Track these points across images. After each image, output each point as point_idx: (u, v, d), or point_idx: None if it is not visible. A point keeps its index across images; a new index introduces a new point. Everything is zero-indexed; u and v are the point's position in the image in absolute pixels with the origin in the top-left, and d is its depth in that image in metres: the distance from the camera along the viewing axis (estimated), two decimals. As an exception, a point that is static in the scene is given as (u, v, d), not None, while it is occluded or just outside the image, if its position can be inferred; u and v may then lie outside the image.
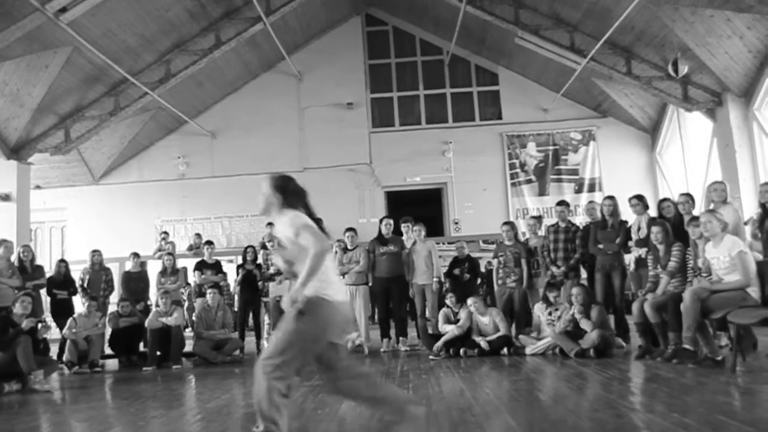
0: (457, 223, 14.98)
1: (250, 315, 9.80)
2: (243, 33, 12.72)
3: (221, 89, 15.46)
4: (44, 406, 5.76)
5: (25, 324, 6.86)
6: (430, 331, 8.24)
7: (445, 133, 15.43)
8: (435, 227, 14.87)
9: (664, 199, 7.89)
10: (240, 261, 10.25)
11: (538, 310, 7.63)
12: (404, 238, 8.94)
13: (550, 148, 15.19)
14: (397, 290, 8.53)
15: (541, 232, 8.65)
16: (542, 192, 15.06)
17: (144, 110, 13.85)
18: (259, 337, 9.74)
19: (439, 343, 7.61)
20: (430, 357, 7.53)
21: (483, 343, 7.46)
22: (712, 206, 6.83)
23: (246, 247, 10.00)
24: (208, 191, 15.22)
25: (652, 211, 8.01)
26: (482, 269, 10.87)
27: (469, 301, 7.73)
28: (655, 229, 6.73)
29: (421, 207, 14.50)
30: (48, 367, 7.07)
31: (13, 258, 8.87)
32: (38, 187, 14.42)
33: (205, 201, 15.20)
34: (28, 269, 8.82)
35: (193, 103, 15.00)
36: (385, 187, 15.28)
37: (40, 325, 7.25)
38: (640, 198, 7.77)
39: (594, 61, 12.09)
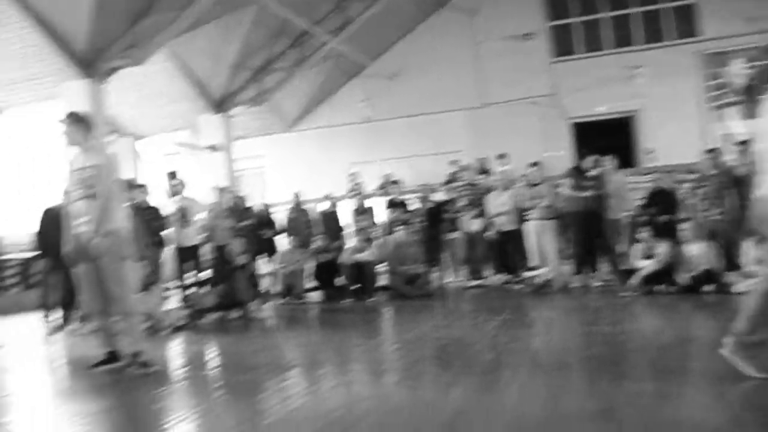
0: (650, 153, 13.96)
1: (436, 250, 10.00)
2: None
3: (397, 31, 15.57)
4: (261, 332, 6.44)
5: (240, 260, 7.68)
6: (624, 267, 7.87)
7: (634, 57, 14.23)
8: (626, 158, 13.99)
9: None
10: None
11: (749, 246, 6.93)
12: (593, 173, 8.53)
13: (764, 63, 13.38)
14: (589, 224, 8.20)
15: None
16: (753, 114, 13.43)
17: (327, 58, 14.42)
18: (443, 272, 9.92)
19: (635, 279, 7.25)
20: (625, 293, 7.22)
21: (686, 279, 6.98)
22: None
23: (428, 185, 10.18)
24: (393, 132, 15.60)
25: None
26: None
27: (688, 225, 7.24)
28: None
29: (609, 137, 13.66)
30: (261, 298, 7.85)
31: (226, 202, 9.83)
32: (240, 137, 15.74)
33: (390, 141, 15.61)
34: (238, 212, 9.74)
35: (371, 47, 15.31)
36: (570, 118, 14.60)
37: (251, 262, 8.07)
38: None
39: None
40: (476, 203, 9.42)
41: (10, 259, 9.39)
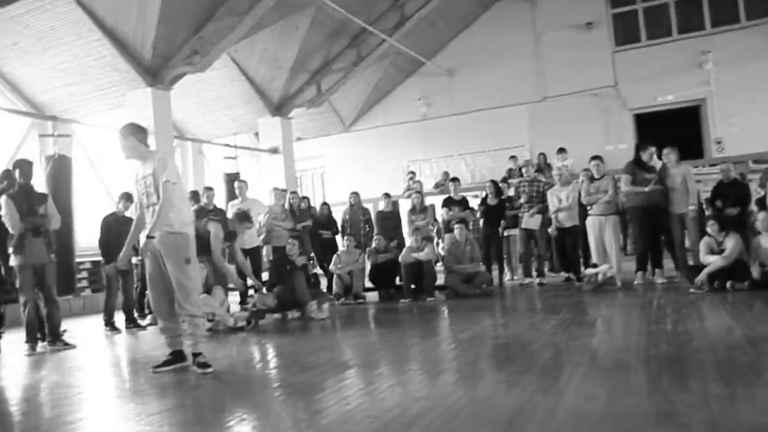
0: (719, 143, 13.41)
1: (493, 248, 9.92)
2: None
3: (455, 26, 15.49)
4: (319, 332, 6.54)
5: (299, 261, 7.82)
6: (690, 263, 7.61)
7: (702, 42, 13.68)
8: (693, 149, 13.49)
9: None
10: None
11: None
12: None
13: None
14: (653, 219, 7.96)
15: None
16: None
17: (383, 57, 14.48)
18: (501, 270, 9.83)
19: (702, 276, 6.99)
20: (691, 290, 6.97)
21: (756, 274, 6.69)
22: None
23: (487, 183, 10.09)
24: (450, 129, 15.54)
25: None
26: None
27: (761, 215, 6.93)
28: None
29: (675, 128, 13.19)
30: (320, 299, 7.96)
31: (285, 203, 10.02)
32: (299, 138, 15.99)
33: (447, 139, 15.55)
34: (297, 213, 9.91)
35: (428, 44, 15.28)
36: (632, 109, 14.18)
37: (310, 262, 8.19)
38: None
39: None
40: (535, 199, 9.30)
41: (82, 263, 9.84)
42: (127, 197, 7.77)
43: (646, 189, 7.81)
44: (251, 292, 7.83)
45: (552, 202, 8.95)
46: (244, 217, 7.48)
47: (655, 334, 4.67)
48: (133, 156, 4.62)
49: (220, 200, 10.66)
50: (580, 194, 8.65)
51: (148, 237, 4.44)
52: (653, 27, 14.33)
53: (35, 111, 10.95)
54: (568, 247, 8.98)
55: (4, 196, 6.24)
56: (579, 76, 14.29)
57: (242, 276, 7.49)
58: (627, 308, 6.23)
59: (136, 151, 4.59)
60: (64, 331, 6.56)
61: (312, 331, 6.61)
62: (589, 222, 8.37)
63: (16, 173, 6.42)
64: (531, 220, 9.18)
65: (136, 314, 7.99)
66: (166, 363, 4.62)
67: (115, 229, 7.46)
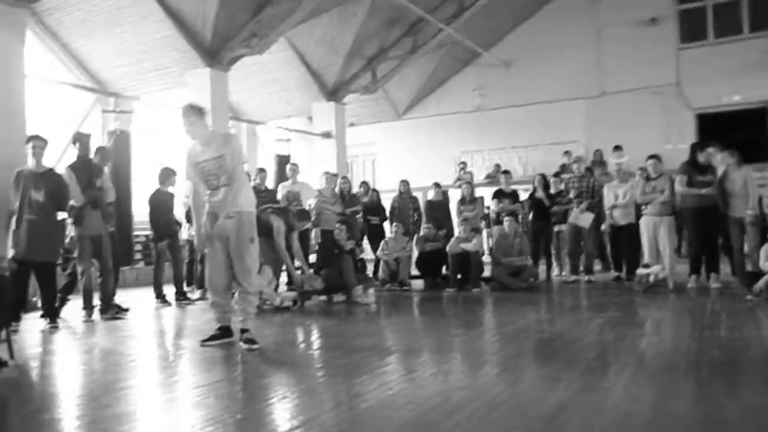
0: (784, 147, 12.87)
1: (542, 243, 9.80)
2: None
3: (513, 18, 15.24)
4: (364, 316, 6.59)
5: (347, 245, 7.88)
6: (749, 269, 7.35)
7: (774, 41, 13.15)
8: (760, 152, 12.99)
9: None
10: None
11: None
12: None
13: None
14: (709, 221, 7.71)
15: None
16: None
17: (440, 46, 14.37)
18: (549, 265, 9.69)
19: (761, 283, 6.74)
20: (748, 297, 6.73)
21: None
22: None
23: (535, 176, 9.97)
24: (504, 121, 15.35)
25: None
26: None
27: None
28: None
29: (739, 130, 12.72)
30: (366, 283, 8.00)
31: (335, 187, 10.09)
32: (352, 124, 16.04)
33: (500, 131, 15.38)
34: (347, 198, 9.96)
35: (485, 34, 15.08)
36: (696, 109, 13.73)
37: (358, 247, 8.25)
38: None
39: None
40: (585, 195, 9.11)
41: (138, 235, 10.13)
42: (170, 173, 7.97)
43: (702, 191, 7.57)
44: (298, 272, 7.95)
45: (608, 198, 8.76)
46: (303, 215, 7.66)
47: (707, 339, 4.54)
48: (193, 134, 4.69)
49: (270, 182, 10.80)
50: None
51: (228, 217, 4.53)
52: (722, 24, 13.80)
53: (99, 87, 11.28)
54: (624, 245, 8.80)
55: (67, 168, 6.47)
56: (640, 73, 13.90)
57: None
58: (678, 311, 6.07)
59: (196, 130, 4.66)
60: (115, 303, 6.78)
61: (357, 315, 6.66)
62: (644, 222, 8.16)
63: (76, 146, 6.63)
64: (581, 217, 9.00)
65: (185, 288, 8.21)
66: (213, 337, 4.73)
67: (163, 206, 7.71)
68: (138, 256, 10.41)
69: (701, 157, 7.77)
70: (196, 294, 8.36)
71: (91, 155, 6.90)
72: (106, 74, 11.31)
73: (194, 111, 4.66)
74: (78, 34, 10.60)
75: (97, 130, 10.60)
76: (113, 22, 10.13)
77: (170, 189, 8.04)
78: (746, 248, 7.71)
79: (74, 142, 6.71)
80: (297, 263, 7.69)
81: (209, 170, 4.62)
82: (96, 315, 6.53)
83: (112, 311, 6.60)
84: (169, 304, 7.71)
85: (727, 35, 13.69)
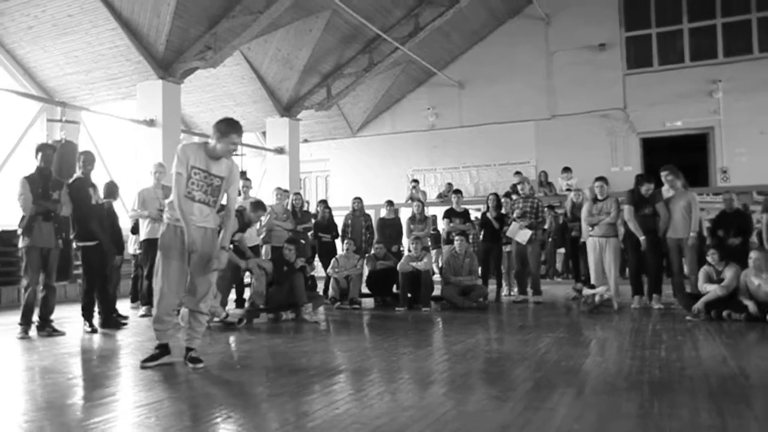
0: (725, 172, 13.42)
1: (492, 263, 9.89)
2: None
3: (468, 39, 15.54)
4: (312, 334, 6.52)
5: (298, 262, 7.81)
6: (687, 290, 7.59)
7: (714, 71, 13.73)
8: (698, 177, 13.50)
9: None
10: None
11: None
12: (665, 188, 8.24)
13: None
14: (650, 244, 7.96)
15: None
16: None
17: (395, 64, 14.52)
18: (499, 285, 9.80)
19: (699, 304, 6.98)
20: (687, 318, 6.95)
21: (752, 307, 6.67)
22: None
23: (488, 195, 10.09)
24: (457, 141, 15.57)
25: None
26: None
27: (753, 254, 6.91)
28: None
29: (681, 154, 13.21)
30: (315, 301, 7.94)
31: (287, 204, 10.02)
32: (305, 140, 16.02)
33: (453, 150, 15.59)
34: (299, 214, 9.90)
35: (440, 54, 15.33)
36: (640, 133, 14.20)
37: (308, 265, 8.18)
38: None
39: None
40: (529, 215, 9.21)
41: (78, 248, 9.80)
42: (116, 187, 7.82)
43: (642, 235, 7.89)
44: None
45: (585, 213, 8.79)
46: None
47: (648, 359, 4.66)
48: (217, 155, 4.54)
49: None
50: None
51: (222, 248, 4.52)
52: (666, 52, 14.38)
53: (45, 96, 10.98)
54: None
55: (21, 177, 6.31)
56: (589, 97, 14.35)
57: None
58: (622, 332, 6.21)
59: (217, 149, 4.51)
60: (52, 320, 6.51)
61: (305, 333, 6.59)
62: (590, 243, 8.35)
63: (38, 156, 6.46)
64: (520, 232, 9.09)
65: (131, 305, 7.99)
66: (153, 357, 4.61)
67: (110, 219, 7.54)
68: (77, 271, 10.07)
69: (642, 190, 8.07)
70: (141, 310, 8.11)
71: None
72: (53, 83, 11.03)
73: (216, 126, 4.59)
74: (25, 40, 10.32)
75: (42, 140, 10.27)
76: (62, 29, 9.90)
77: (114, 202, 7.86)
78: (686, 270, 7.98)
79: (37, 153, 6.53)
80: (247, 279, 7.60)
81: (215, 185, 4.52)
82: (33, 331, 6.29)
83: (48, 329, 6.36)
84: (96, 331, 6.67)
85: (670, 63, 14.24)
